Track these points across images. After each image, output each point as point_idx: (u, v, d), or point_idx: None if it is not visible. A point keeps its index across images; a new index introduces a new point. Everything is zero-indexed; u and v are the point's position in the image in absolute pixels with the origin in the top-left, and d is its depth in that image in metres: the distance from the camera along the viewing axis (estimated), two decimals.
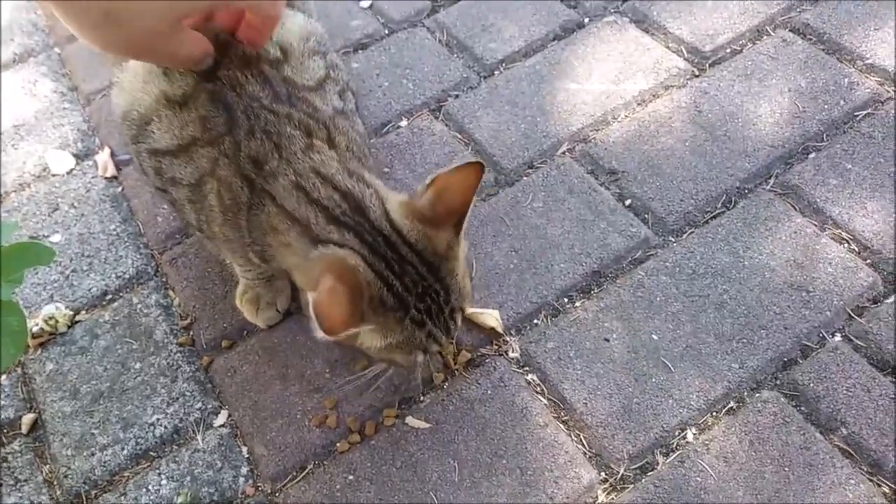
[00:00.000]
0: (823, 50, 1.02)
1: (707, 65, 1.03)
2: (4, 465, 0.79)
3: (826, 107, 0.96)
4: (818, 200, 0.88)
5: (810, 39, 1.03)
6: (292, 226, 0.64)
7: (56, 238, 0.97)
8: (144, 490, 0.75)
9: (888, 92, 0.96)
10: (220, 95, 0.65)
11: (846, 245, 0.84)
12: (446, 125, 1.02)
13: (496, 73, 1.07)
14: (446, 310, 0.65)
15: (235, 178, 0.65)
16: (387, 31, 1.16)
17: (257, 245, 0.68)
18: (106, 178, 1.03)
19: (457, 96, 1.05)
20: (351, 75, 0.80)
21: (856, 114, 0.95)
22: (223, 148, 0.65)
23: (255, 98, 0.65)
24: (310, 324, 0.57)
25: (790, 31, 1.05)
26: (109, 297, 0.91)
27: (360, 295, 0.60)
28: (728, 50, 1.04)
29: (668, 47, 1.06)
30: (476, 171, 0.62)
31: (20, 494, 0.77)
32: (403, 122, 1.03)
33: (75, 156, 1.06)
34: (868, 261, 0.82)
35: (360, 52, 1.13)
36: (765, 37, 1.05)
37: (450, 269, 0.65)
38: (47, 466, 0.79)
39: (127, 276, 0.93)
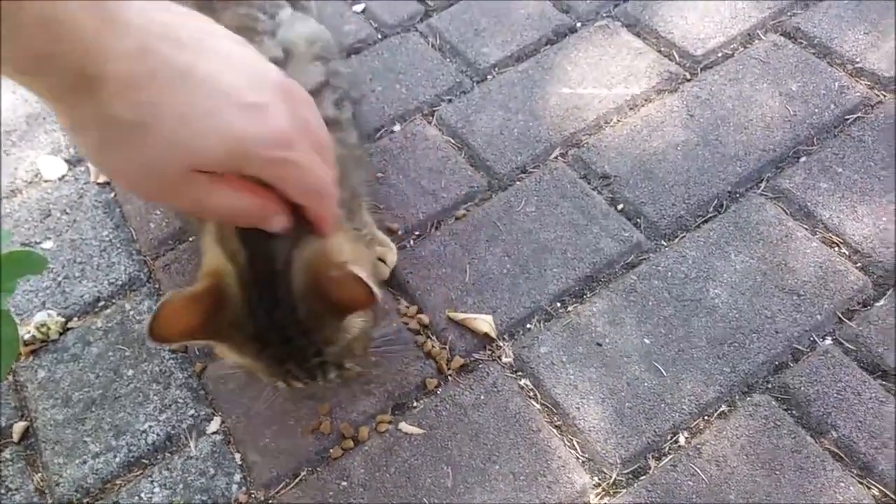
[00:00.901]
0: (814, 54, 1.02)
1: (699, 69, 1.04)
2: None
3: (817, 111, 0.96)
4: (809, 204, 0.88)
5: (801, 43, 1.04)
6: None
7: (48, 244, 0.97)
8: (137, 498, 0.75)
9: (878, 96, 0.96)
10: None
11: (836, 248, 0.84)
12: (440, 130, 1.03)
13: (489, 77, 1.08)
14: (313, 360, 0.62)
15: None
16: (380, 36, 1.16)
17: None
18: (98, 183, 1.03)
19: (450, 101, 1.05)
20: (353, 84, 0.79)
21: (846, 118, 0.95)
22: None
23: None
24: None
25: (781, 35, 1.05)
26: (102, 303, 0.91)
27: (218, 314, 0.58)
28: (719, 54, 1.05)
29: (660, 51, 1.06)
30: (365, 300, 0.58)
31: (11, 503, 0.76)
32: (397, 127, 1.03)
33: (67, 161, 1.06)
34: (858, 264, 0.83)
35: (353, 56, 1.13)
36: (756, 41, 1.05)
37: (324, 338, 0.61)
38: (39, 475, 0.78)
39: (119, 282, 0.92)
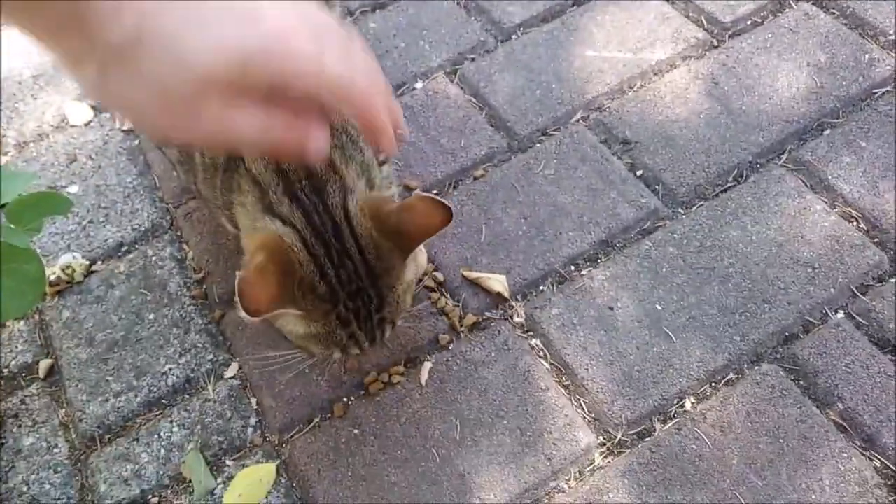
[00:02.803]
0: (846, 25, 1.00)
1: (727, 36, 1.02)
2: (23, 407, 0.82)
3: (844, 83, 0.95)
4: (830, 177, 0.87)
5: (833, 13, 1.02)
6: (253, 189, 0.63)
7: (74, 189, 0.99)
8: (156, 436, 0.78)
9: None
10: None
11: (855, 223, 0.84)
12: (461, 88, 1.02)
13: (513, 37, 1.07)
14: (375, 317, 0.64)
15: None
16: None
17: (226, 209, 0.68)
18: (123, 130, 1.04)
19: (473, 60, 1.05)
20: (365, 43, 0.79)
21: (874, 91, 0.94)
22: None
23: None
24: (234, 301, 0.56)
25: (813, 4, 1.03)
26: (125, 248, 0.93)
27: (291, 277, 0.59)
28: (749, 21, 1.03)
29: (688, 17, 1.05)
30: (443, 219, 0.60)
31: (37, 436, 0.80)
32: (419, 85, 1.03)
33: (93, 107, 1.07)
34: (876, 239, 0.83)
35: (377, 11, 1.12)
36: (787, 9, 1.04)
37: (389, 282, 0.63)
38: (63, 410, 0.81)
39: (142, 228, 0.94)
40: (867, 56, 0.97)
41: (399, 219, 0.61)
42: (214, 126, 0.48)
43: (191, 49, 0.44)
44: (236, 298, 0.55)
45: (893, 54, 0.96)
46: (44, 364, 0.84)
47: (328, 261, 0.60)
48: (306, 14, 0.51)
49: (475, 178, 0.93)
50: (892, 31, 0.98)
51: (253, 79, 0.47)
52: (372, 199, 0.63)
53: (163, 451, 0.77)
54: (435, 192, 0.93)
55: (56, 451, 0.78)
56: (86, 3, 0.42)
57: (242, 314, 0.56)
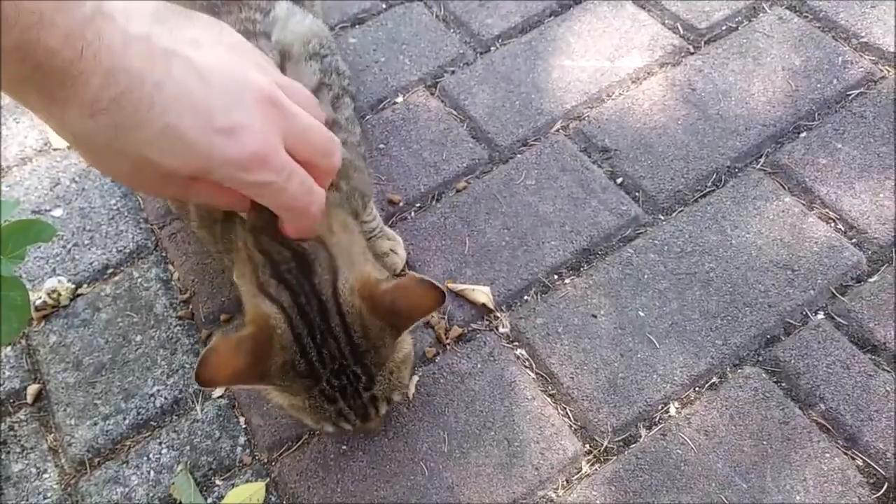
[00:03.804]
0: (819, 28, 1.02)
1: (702, 42, 1.03)
2: (11, 433, 0.82)
3: (819, 86, 0.96)
4: (807, 180, 0.89)
5: (806, 17, 1.03)
6: (247, 263, 0.64)
7: (58, 212, 0.99)
8: (145, 458, 0.78)
9: (881, 71, 0.96)
10: None
11: (833, 224, 0.85)
12: (442, 101, 1.03)
13: (492, 48, 1.08)
14: (364, 395, 0.64)
15: None
16: (384, 6, 1.16)
17: (227, 255, 0.69)
18: None
19: (453, 72, 1.06)
20: (350, 80, 0.80)
21: (848, 93, 0.95)
22: None
23: None
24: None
25: (786, 8, 1.05)
26: (111, 270, 0.93)
27: (268, 357, 0.60)
28: (724, 27, 1.05)
29: (664, 24, 1.06)
30: (435, 302, 0.61)
31: (26, 461, 0.80)
32: (399, 99, 1.04)
33: None
34: (854, 240, 0.84)
35: (357, 27, 1.13)
36: (761, 14, 1.05)
37: (377, 360, 0.63)
38: (52, 435, 0.82)
39: (127, 250, 0.95)
40: (840, 59, 0.98)
41: (393, 298, 0.62)
42: (176, 198, 0.53)
43: (163, 155, 0.48)
44: (216, 393, 0.57)
45: (866, 56, 0.98)
46: (31, 389, 0.84)
47: (310, 339, 0.61)
48: (297, 128, 0.54)
49: (458, 191, 0.94)
50: (864, 34, 0.99)
51: (214, 178, 0.50)
52: (366, 278, 0.63)
53: (152, 473, 0.77)
54: (418, 205, 0.93)
55: (45, 476, 0.79)
56: (66, 99, 0.43)
57: (197, 383, 0.57)
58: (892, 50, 0.97)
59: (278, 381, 0.61)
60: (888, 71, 0.96)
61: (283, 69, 0.68)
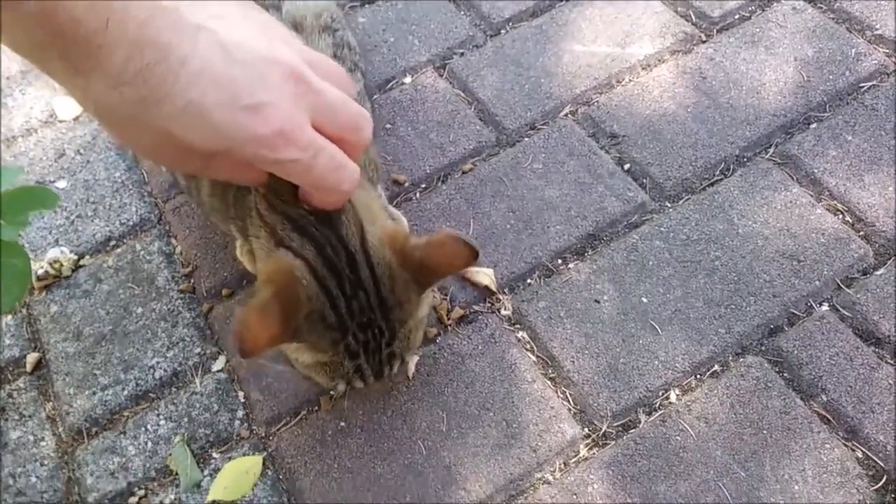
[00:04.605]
0: (833, 19, 1.01)
1: (714, 30, 1.02)
2: (10, 401, 0.82)
3: (831, 77, 0.95)
4: (816, 171, 0.88)
5: (820, 8, 1.02)
6: (264, 225, 0.63)
7: (62, 184, 0.99)
8: (143, 429, 0.78)
9: (895, 64, 0.95)
10: None
11: (840, 216, 0.85)
12: (450, 83, 1.02)
13: (502, 31, 1.07)
14: (385, 351, 0.63)
15: None
16: None
17: (239, 221, 0.68)
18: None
19: (462, 54, 1.05)
20: (360, 55, 0.79)
21: (860, 85, 0.94)
22: None
23: None
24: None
25: None
26: (113, 242, 0.93)
27: (296, 311, 0.59)
28: (737, 16, 1.03)
29: (676, 11, 1.05)
30: (468, 259, 0.61)
31: (24, 429, 0.80)
32: (407, 79, 1.03)
33: None
34: (861, 233, 0.83)
35: (367, 6, 1.12)
36: (774, 3, 1.04)
37: (401, 316, 0.63)
38: (50, 404, 0.82)
39: (131, 223, 0.94)
40: (854, 50, 0.97)
41: (424, 254, 0.61)
42: (195, 173, 0.52)
43: (187, 131, 0.47)
44: (232, 341, 0.56)
45: (880, 49, 0.97)
46: (31, 358, 0.84)
47: (339, 291, 0.60)
48: (323, 104, 0.53)
49: (464, 173, 0.94)
50: (878, 26, 0.98)
51: (237, 156, 0.50)
52: (394, 231, 0.63)
53: (149, 443, 0.77)
54: (423, 186, 0.93)
55: (43, 444, 0.79)
56: (93, 68, 0.43)
57: (240, 357, 0.56)
58: None
59: (309, 335, 0.60)
60: None
61: None
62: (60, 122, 1.06)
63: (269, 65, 0.49)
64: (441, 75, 1.03)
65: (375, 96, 1.01)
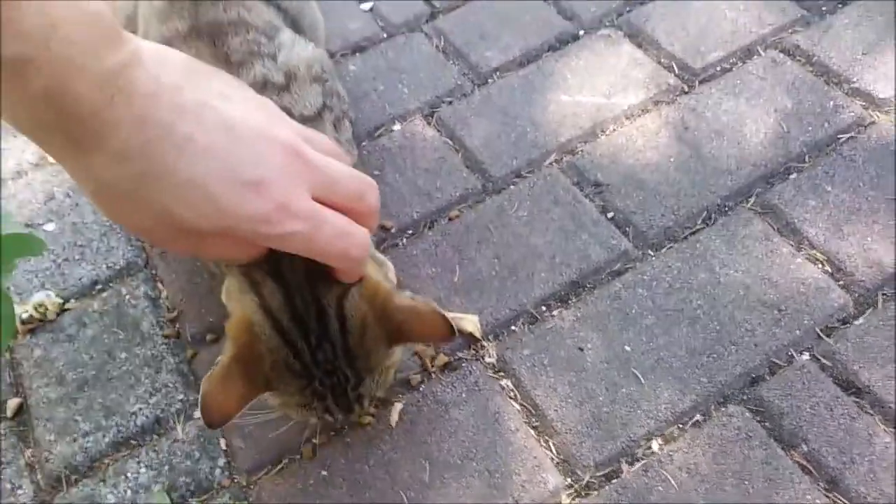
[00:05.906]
0: (812, 72, 1.03)
1: (697, 81, 1.05)
2: None
3: (810, 128, 0.97)
4: (796, 221, 0.89)
5: (799, 61, 1.05)
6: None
7: (50, 227, 0.99)
8: (123, 477, 0.78)
9: (872, 116, 0.98)
10: None
11: (820, 266, 0.86)
12: (438, 131, 1.04)
13: (490, 81, 1.09)
14: (352, 394, 0.65)
15: None
16: (385, 35, 1.17)
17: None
18: None
19: (450, 103, 1.07)
20: (349, 104, 0.81)
21: (839, 136, 0.96)
22: None
23: None
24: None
25: (780, 51, 1.06)
26: (99, 286, 0.93)
27: (260, 366, 0.61)
28: (718, 68, 1.06)
29: (659, 62, 1.08)
30: (444, 336, 0.64)
31: (2, 477, 0.79)
32: (396, 127, 1.05)
33: None
34: (841, 282, 0.84)
35: (357, 54, 1.15)
36: (755, 56, 1.07)
37: (369, 366, 0.64)
38: (30, 450, 0.81)
39: (117, 266, 0.95)
40: (832, 102, 0.99)
41: (404, 318, 0.63)
42: (188, 253, 0.52)
43: (186, 207, 0.48)
44: (198, 413, 0.57)
45: (857, 101, 0.99)
46: (12, 403, 0.84)
47: (305, 343, 0.61)
48: (323, 178, 0.54)
49: (450, 219, 0.95)
50: (855, 79, 1.01)
51: (236, 234, 0.51)
52: (378, 284, 0.64)
53: (129, 492, 0.76)
54: (410, 231, 0.94)
55: (20, 492, 0.78)
56: (94, 146, 0.43)
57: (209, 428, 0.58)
58: (881, 96, 0.98)
59: (277, 383, 0.62)
60: (878, 116, 0.97)
61: (289, 89, 0.70)
62: (51, 164, 1.06)
63: (270, 142, 0.50)
64: (429, 123, 1.05)
65: (364, 143, 1.03)
